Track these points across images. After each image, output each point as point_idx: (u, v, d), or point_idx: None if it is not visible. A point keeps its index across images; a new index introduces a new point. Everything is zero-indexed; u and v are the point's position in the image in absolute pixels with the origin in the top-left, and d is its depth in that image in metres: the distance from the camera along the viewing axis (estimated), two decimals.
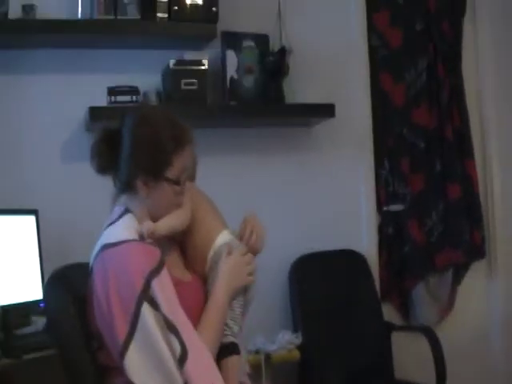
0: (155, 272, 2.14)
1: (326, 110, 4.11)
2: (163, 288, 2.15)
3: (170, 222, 2.33)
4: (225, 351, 2.31)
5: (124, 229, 2.26)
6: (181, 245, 2.46)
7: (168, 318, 2.11)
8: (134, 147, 2.26)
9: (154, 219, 2.30)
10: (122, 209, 2.32)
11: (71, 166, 3.79)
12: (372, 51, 4.53)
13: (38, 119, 3.77)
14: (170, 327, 2.10)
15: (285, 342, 3.76)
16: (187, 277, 2.39)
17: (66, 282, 2.44)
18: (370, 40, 4.53)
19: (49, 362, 2.53)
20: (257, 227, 2.45)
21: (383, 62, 4.58)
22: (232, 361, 2.32)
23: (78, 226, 3.69)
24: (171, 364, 2.07)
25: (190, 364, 2.08)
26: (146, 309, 2.09)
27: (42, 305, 3.01)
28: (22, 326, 2.85)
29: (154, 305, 2.10)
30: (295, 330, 3.95)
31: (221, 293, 2.33)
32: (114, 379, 2.20)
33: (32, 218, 3.27)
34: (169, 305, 2.14)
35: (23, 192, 3.61)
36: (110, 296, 2.12)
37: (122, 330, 2.09)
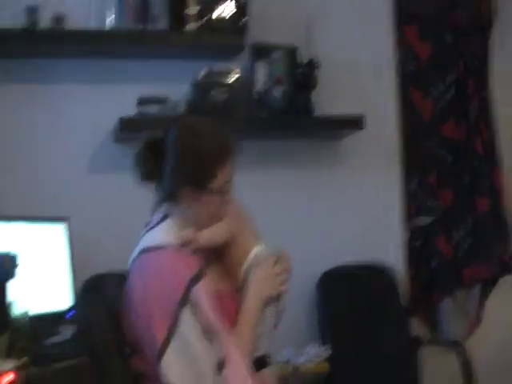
0: (196, 279, 2.15)
1: (354, 123, 4.08)
2: (203, 295, 2.16)
3: (211, 235, 2.34)
4: (259, 364, 2.31)
5: (163, 233, 2.28)
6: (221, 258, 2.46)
7: (207, 324, 2.11)
8: (179, 158, 2.27)
9: (195, 230, 2.30)
10: (161, 215, 2.33)
11: (99, 176, 3.79)
12: (401, 65, 4.50)
13: (66, 129, 3.77)
14: (209, 333, 2.11)
15: (312, 355, 3.74)
16: (229, 289, 2.39)
17: (98, 290, 2.45)
18: (399, 54, 4.49)
19: (77, 370, 2.52)
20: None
21: (412, 76, 4.54)
22: (267, 374, 2.33)
23: (104, 236, 3.68)
24: (208, 370, 2.08)
25: (227, 372, 2.09)
26: (186, 313, 2.10)
27: (70, 314, 3.00)
28: (50, 335, 2.83)
29: (195, 310, 2.11)
30: (323, 343, 3.92)
31: (252, 302, 2.34)
32: None
33: (61, 227, 3.25)
34: (208, 311, 2.14)
35: (50, 202, 3.59)
36: (149, 299, 2.14)
37: (160, 333, 2.10)
